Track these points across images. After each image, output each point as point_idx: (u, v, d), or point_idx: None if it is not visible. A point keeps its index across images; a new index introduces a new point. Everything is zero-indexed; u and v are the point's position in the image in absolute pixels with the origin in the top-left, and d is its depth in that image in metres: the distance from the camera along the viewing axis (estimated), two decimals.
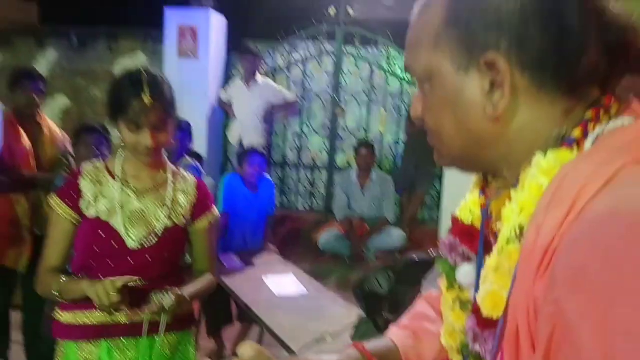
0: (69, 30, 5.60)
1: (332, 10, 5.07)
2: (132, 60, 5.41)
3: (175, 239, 1.50)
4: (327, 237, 4.40)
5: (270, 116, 5.15)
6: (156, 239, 1.44)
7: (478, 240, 0.67)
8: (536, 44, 0.53)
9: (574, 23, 0.53)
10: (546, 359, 0.43)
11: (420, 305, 0.88)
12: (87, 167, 1.48)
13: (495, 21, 0.55)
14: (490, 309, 0.56)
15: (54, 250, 1.46)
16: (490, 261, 0.56)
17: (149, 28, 5.33)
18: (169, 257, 1.49)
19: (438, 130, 0.62)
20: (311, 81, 5.45)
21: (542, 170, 0.52)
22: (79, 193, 1.43)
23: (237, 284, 2.45)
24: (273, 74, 5.42)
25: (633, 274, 0.38)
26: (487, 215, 0.65)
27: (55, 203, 1.45)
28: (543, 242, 0.45)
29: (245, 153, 3.48)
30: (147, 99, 1.32)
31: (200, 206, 1.55)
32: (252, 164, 3.31)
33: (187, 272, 1.68)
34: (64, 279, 1.40)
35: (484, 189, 0.67)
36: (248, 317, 2.51)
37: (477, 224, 0.69)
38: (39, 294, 1.48)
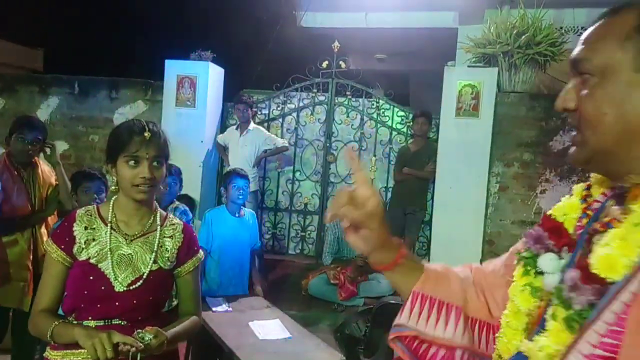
0: (72, 79, 5.78)
1: (325, 64, 5.32)
2: (132, 108, 5.56)
3: (160, 282, 1.57)
4: (316, 282, 4.41)
5: (263, 162, 5.30)
6: (142, 282, 1.52)
7: (564, 238, 0.76)
8: None
9: None
10: None
11: (460, 268, 0.97)
12: (80, 212, 1.58)
13: None
14: (605, 270, 0.63)
15: (47, 291, 1.52)
16: (617, 231, 0.65)
17: (150, 78, 5.53)
18: (154, 299, 1.56)
19: (597, 121, 0.68)
20: (304, 129, 5.63)
21: None
22: (72, 237, 1.52)
23: (222, 328, 2.48)
24: (268, 122, 5.62)
25: None
26: (596, 217, 0.73)
27: (50, 247, 1.53)
28: None
29: (229, 174, 3.47)
30: (147, 133, 1.48)
31: (185, 250, 1.64)
32: (235, 185, 3.30)
33: (173, 314, 1.74)
34: (57, 323, 1.44)
35: (585, 197, 0.76)
36: None
37: (567, 225, 0.77)
38: (32, 334, 1.52)
